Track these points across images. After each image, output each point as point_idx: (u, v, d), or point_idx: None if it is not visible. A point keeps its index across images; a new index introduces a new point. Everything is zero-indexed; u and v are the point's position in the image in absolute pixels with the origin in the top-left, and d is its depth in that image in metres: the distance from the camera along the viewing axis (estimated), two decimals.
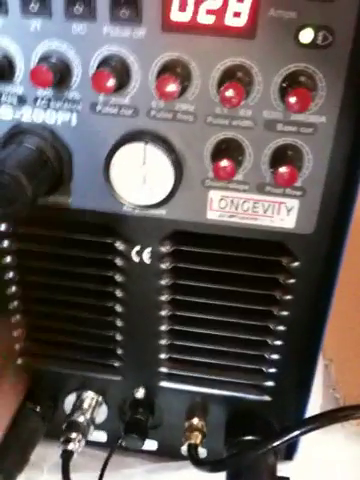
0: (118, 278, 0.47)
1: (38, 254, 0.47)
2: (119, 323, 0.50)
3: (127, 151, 0.39)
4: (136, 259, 0.46)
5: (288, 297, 0.46)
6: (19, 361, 0.53)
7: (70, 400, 0.54)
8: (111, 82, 0.36)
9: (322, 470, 0.55)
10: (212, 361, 0.51)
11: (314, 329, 0.47)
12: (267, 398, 0.51)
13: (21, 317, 0.51)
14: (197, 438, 0.52)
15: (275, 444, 0.47)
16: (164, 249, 0.45)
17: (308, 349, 0.48)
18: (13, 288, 0.50)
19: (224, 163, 0.38)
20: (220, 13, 0.35)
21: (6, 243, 0.47)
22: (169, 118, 0.39)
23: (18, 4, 0.37)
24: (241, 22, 0.36)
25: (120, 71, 0.37)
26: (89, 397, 0.54)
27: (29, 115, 0.41)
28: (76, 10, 0.37)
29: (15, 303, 0.50)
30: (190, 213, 0.43)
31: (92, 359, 0.52)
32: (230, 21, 0.36)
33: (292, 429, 0.47)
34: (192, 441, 0.52)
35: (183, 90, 0.37)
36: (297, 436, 0.47)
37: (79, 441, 0.51)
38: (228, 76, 0.37)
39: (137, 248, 0.46)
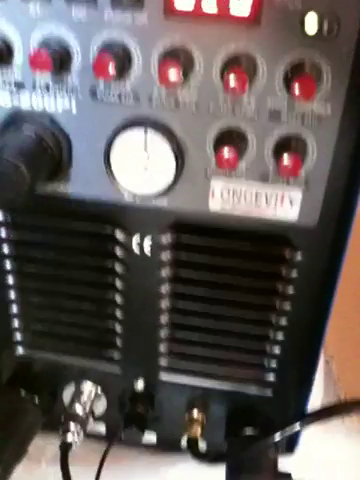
0: (118, 269, 0.47)
1: (36, 244, 0.47)
2: (119, 314, 0.49)
3: (128, 139, 0.39)
4: (136, 250, 0.45)
5: (290, 290, 0.45)
6: (19, 352, 0.53)
7: (69, 392, 0.54)
8: (112, 68, 0.35)
9: (323, 467, 0.55)
10: (212, 354, 0.50)
11: (316, 323, 0.46)
12: (268, 392, 0.51)
13: (19, 308, 0.51)
14: (197, 431, 0.52)
15: (276, 437, 0.47)
16: (165, 240, 0.45)
17: (310, 343, 0.48)
18: (11, 278, 0.49)
19: (227, 152, 0.37)
20: (225, 1, 0.35)
21: (4, 232, 0.47)
22: (171, 106, 0.38)
23: None
24: (246, 11, 0.35)
25: (121, 57, 0.36)
26: (88, 389, 0.53)
27: (28, 102, 0.40)
28: None
29: (13, 293, 0.50)
30: (192, 203, 0.42)
31: (91, 350, 0.52)
32: (235, 10, 0.35)
33: (294, 423, 0.47)
34: (192, 434, 0.52)
35: (185, 78, 0.36)
36: (298, 430, 0.47)
37: (78, 433, 0.51)
38: (232, 64, 0.36)
39: (137, 238, 0.45)
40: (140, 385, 0.53)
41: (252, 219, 0.42)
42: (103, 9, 0.36)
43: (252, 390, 0.51)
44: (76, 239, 0.46)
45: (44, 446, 0.55)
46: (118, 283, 0.47)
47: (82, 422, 0.52)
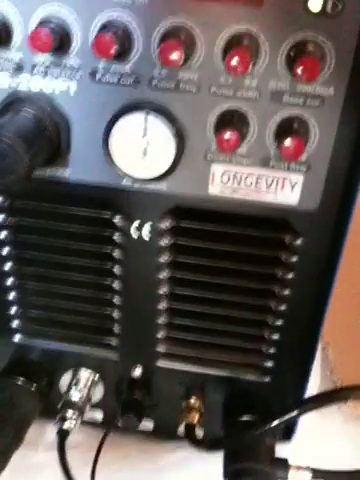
0: (116, 254, 0.46)
1: (34, 229, 0.46)
2: (117, 300, 0.49)
3: (127, 121, 0.38)
4: (135, 235, 0.45)
5: (290, 276, 0.45)
6: (16, 339, 0.53)
7: (66, 378, 0.54)
8: (112, 47, 0.35)
9: (320, 453, 0.55)
10: (211, 341, 0.50)
11: (315, 309, 0.46)
12: (266, 379, 0.51)
13: (17, 294, 0.50)
14: (194, 418, 0.52)
15: (274, 424, 0.47)
16: (164, 225, 0.44)
17: (309, 329, 0.48)
18: (8, 264, 0.49)
19: (228, 134, 0.37)
20: None
21: (1, 217, 0.46)
22: (171, 87, 0.38)
23: None
24: None
25: (122, 37, 0.36)
26: (85, 376, 0.53)
27: (27, 83, 0.39)
28: None
29: (11, 279, 0.50)
30: (191, 187, 0.42)
31: (89, 337, 0.51)
32: None
33: (291, 409, 0.47)
34: (189, 421, 0.52)
35: (186, 58, 0.36)
36: (296, 416, 0.47)
37: (75, 420, 0.51)
38: (234, 44, 0.35)
39: (136, 223, 0.44)
40: (138, 372, 0.52)
41: (252, 203, 0.42)
42: None
43: (250, 376, 0.51)
44: (74, 224, 0.45)
45: (41, 433, 0.55)
46: (116, 269, 0.47)
47: (79, 409, 0.52)
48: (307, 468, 0.46)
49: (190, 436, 0.51)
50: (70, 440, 0.50)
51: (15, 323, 0.52)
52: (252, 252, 0.44)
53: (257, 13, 0.35)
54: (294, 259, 0.44)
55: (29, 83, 0.39)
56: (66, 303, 0.50)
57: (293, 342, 0.49)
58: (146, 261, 0.46)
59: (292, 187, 0.41)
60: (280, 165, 0.40)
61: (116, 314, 0.50)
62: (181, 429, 0.53)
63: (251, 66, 0.35)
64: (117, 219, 0.45)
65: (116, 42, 0.35)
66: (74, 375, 0.53)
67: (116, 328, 0.51)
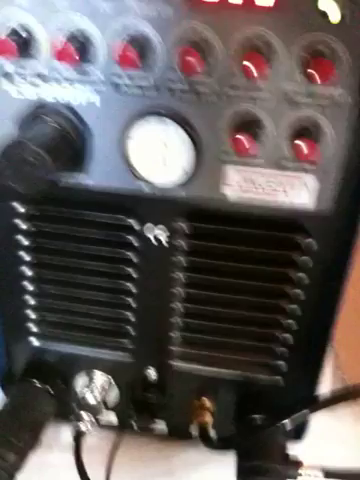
0: (134, 258, 0.47)
1: (55, 235, 0.47)
2: (133, 303, 0.49)
3: (146, 129, 0.39)
4: (153, 239, 0.46)
5: (304, 277, 0.46)
6: (33, 342, 0.53)
7: (81, 381, 0.54)
8: (135, 58, 0.36)
9: (331, 452, 0.55)
10: (224, 341, 0.50)
11: (327, 310, 0.47)
12: (279, 380, 0.51)
13: (36, 298, 0.51)
14: (207, 417, 0.52)
15: (286, 424, 0.48)
16: (180, 228, 0.45)
17: (321, 330, 0.48)
18: (28, 270, 0.49)
19: (243, 137, 0.38)
20: None
21: (21, 223, 0.47)
22: (189, 94, 0.39)
23: None
24: (270, 1, 0.35)
25: (144, 47, 0.37)
26: (100, 377, 0.54)
27: (51, 93, 0.40)
28: None
29: (30, 285, 0.50)
30: (208, 192, 0.42)
31: (104, 340, 0.52)
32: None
33: (303, 409, 0.48)
34: (202, 420, 0.52)
35: (204, 64, 0.37)
36: (307, 414, 0.48)
37: (91, 422, 0.52)
38: (248, 47, 0.36)
39: (153, 227, 0.45)
40: (152, 373, 0.53)
41: (267, 206, 0.43)
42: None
43: (263, 377, 0.51)
44: (93, 229, 0.46)
45: (55, 434, 0.55)
46: (134, 273, 0.48)
47: (94, 411, 0.52)
48: (319, 467, 0.47)
49: (203, 436, 0.52)
50: (85, 442, 0.51)
51: (33, 327, 0.53)
52: (266, 254, 0.45)
53: (272, 18, 0.35)
54: (306, 259, 0.45)
55: (53, 94, 0.40)
56: (84, 307, 0.50)
57: (305, 343, 0.49)
58: (162, 264, 0.47)
59: (305, 188, 0.41)
60: (293, 166, 0.40)
61: (132, 317, 0.50)
62: (194, 428, 0.53)
63: (266, 68, 0.36)
64: (135, 224, 0.45)
65: (139, 53, 0.36)
66: (89, 377, 0.54)
67: (132, 330, 0.51)
